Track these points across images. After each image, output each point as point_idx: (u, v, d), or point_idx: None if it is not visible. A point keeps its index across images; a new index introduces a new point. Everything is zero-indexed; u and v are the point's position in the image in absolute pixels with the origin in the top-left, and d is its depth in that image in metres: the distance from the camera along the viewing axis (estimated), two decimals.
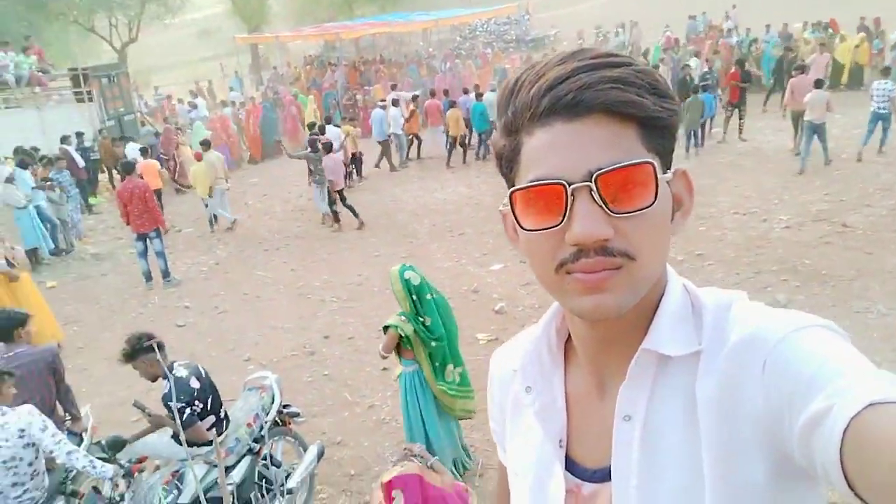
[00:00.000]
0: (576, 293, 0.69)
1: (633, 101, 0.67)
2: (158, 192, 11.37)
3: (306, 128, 13.31)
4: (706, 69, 14.96)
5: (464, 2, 50.89)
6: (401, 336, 3.95)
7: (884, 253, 6.88)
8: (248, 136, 16.96)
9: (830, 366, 0.61)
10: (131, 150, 13.17)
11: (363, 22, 28.77)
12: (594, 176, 0.66)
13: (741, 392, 0.67)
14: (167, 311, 7.97)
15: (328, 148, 10.31)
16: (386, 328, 4.03)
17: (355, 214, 10.35)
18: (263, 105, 17.69)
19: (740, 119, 12.64)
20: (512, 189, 0.72)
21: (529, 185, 0.69)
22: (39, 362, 4.15)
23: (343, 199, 10.39)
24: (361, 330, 6.72)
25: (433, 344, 3.96)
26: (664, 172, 0.70)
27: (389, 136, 14.02)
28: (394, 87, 17.61)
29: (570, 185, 0.66)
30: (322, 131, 12.02)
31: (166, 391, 3.58)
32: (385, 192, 12.46)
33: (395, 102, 14.48)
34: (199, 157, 11.31)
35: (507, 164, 0.75)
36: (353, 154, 13.17)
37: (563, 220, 0.67)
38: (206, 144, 11.39)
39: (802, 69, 11.73)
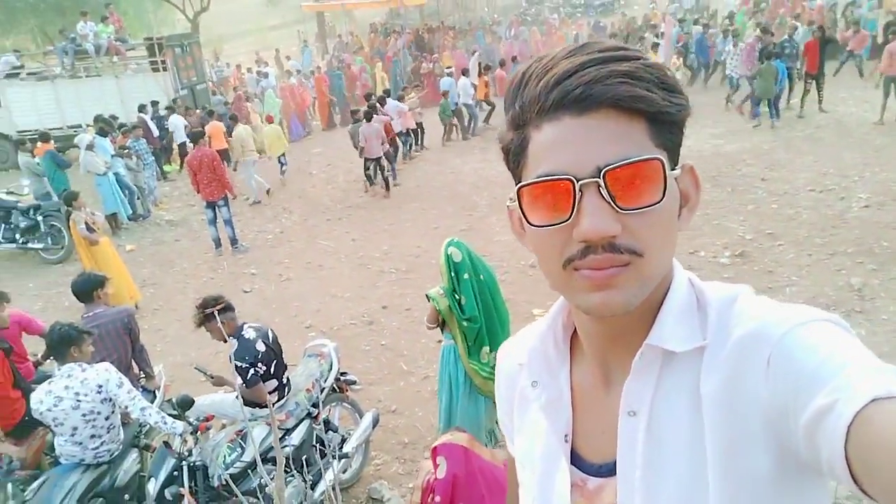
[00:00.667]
0: (583, 290, 0.69)
1: (641, 95, 0.66)
2: (226, 154, 12.03)
3: (366, 98, 13.44)
4: (785, 36, 14.06)
5: None
6: (438, 309, 3.97)
7: None
8: (319, 104, 17.32)
9: (834, 360, 0.61)
10: (176, 123, 13.61)
11: None
12: (602, 171, 0.65)
13: (746, 387, 0.67)
14: (235, 277, 8.31)
15: (368, 117, 10.53)
16: (430, 298, 4.05)
17: (384, 184, 10.80)
18: (331, 74, 17.97)
19: (819, 90, 11.90)
20: (519, 184, 0.72)
21: (537, 180, 0.69)
22: (116, 322, 4.43)
23: (381, 169, 10.72)
24: (418, 302, 6.81)
25: (464, 323, 3.92)
26: (672, 168, 0.70)
27: (458, 106, 13.92)
28: (474, 53, 17.44)
29: (577, 181, 0.66)
30: (382, 102, 12.13)
31: (233, 350, 3.78)
32: (446, 163, 12.47)
33: (465, 72, 14.32)
34: (270, 120, 12.56)
35: (515, 159, 0.74)
36: (418, 124, 13.28)
37: (570, 216, 0.67)
38: (234, 119, 12.04)
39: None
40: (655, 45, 14.52)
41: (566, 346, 0.87)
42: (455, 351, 4.05)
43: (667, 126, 0.69)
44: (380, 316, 6.71)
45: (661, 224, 0.68)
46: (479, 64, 15.39)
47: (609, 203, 0.66)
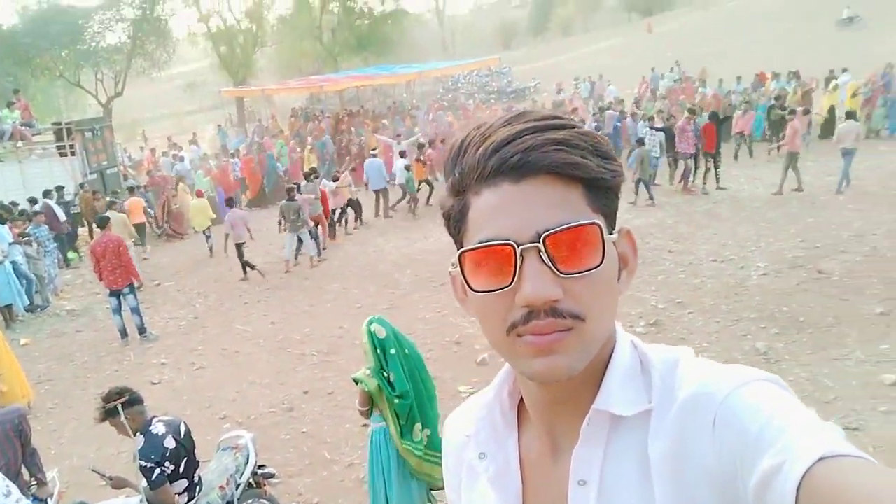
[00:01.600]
0: (527, 356, 0.69)
1: (577, 162, 0.67)
2: (142, 229, 13.25)
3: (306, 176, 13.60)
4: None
5: (447, 55, 52.33)
6: (368, 391, 3.82)
7: (859, 299, 6.95)
8: (250, 182, 17.58)
9: (778, 420, 0.61)
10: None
11: (347, 75, 29.36)
12: (542, 236, 0.66)
13: (693, 451, 0.66)
14: (143, 367, 7.81)
15: (230, 203, 11.26)
16: (357, 381, 3.91)
17: (250, 268, 10.92)
18: (266, 155, 18.18)
19: (716, 168, 12.87)
20: (461, 250, 0.72)
21: (478, 246, 0.69)
22: (5, 424, 4.03)
23: (241, 255, 10.90)
24: (342, 385, 6.62)
25: (396, 401, 3.79)
26: (610, 233, 0.71)
27: (395, 186, 14.33)
28: (398, 137, 17.94)
29: (518, 246, 0.66)
30: (308, 179, 12.40)
31: (139, 448, 3.49)
32: (369, 243, 12.49)
33: (403, 154, 14.64)
34: (199, 195, 13.36)
35: (455, 225, 0.75)
36: (349, 201, 13.55)
37: (512, 281, 0.67)
38: (111, 206, 12.28)
39: (806, 111, 12.08)
40: None
41: (513, 415, 0.84)
42: (386, 433, 3.89)
43: (603, 192, 0.71)
44: (300, 402, 6.44)
45: (602, 288, 0.69)
46: (421, 145, 15.84)
47: (550, 267, 0.66)
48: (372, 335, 3.78)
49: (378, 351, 3.78)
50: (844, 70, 18.95)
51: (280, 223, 11.32)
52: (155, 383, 7.26)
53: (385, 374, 3.80)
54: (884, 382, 5.23)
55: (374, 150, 16.05)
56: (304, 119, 26.04)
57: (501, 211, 0.68)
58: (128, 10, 29.80)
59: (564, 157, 0.67)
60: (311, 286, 10.24)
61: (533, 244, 0.66)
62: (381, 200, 14.32)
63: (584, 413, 0.73)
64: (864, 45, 26.35)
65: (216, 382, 7.14)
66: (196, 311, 9.71)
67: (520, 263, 0.67)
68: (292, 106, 31.85)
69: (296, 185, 11.73)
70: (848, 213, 10.13)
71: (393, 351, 3.81)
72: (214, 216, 12.84)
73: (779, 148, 12.72)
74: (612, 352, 0.76)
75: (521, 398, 0.84)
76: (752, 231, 9.94)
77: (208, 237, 12.84)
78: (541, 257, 0.66)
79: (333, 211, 12.89)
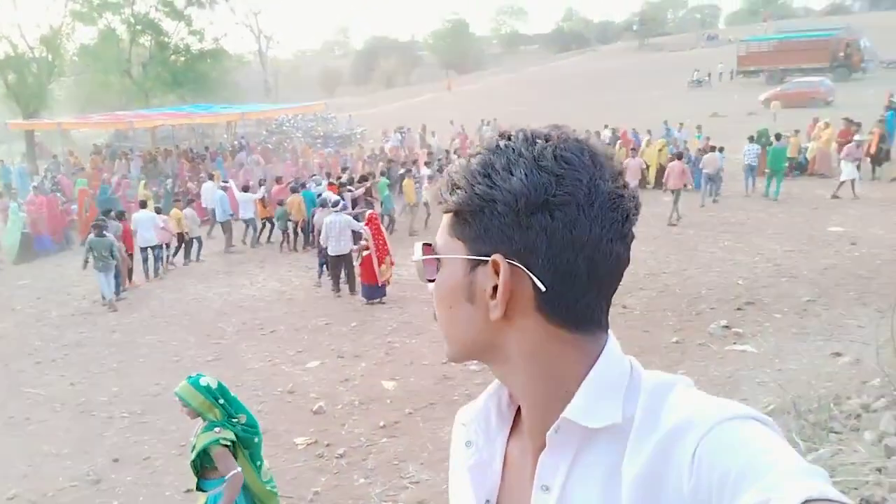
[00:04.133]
0: None
1: (436, 194, 0.81)
2: None
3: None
4: None
5: (271, 98, 51.42)
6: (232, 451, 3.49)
7: (658, 330, 7.82)
8: (80, 219, 15.82)
9: (763, 458, 0.61)
10: None
11: (161, 112, 27.52)
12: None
13: (669, 477, 0.66)
14: None
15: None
16: (201, 457, 3.43)
17: None
18: (101, 187, 16.77)
19: None
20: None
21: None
22: None
23: None
24: (159, 448, 5.98)
25: (255, 440, 3.63)
26: (482, 257, 0.75)
27: (236, 220, 14.31)
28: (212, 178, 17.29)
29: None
30: (118, 217, 11.72)
31: None
32: (188, 289, 11.60)
33: (246, 188, 14.68)
34: None
35: None
36: (180, 235, 12.93)
37: None
38: None
39: (680, 156, 14.44)
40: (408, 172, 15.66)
41: (510, 413, 0.86)
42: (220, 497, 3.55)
43: (460, 219, 0.78)
44: (110, 472, 5.70)
45: (439, 300, 0.81)
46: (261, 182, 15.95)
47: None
48: (208, 388, 3.50)
49: (220, 401, 3.52)
50: (606, 126, 21.75)
51: (86, 261, 10.40)
52: None
53: (235, 420, 3.55)
54: None
55: (224, 182, 15.96)
56: (110, 157, 23.86)
57: None
58: None
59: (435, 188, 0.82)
60: (120, 340, 9.22)
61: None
62: (225, 234, 14.26)
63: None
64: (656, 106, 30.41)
65: (1, 457, 6.08)
66: None
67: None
68: (94, 142, 29.09)
69: (103, 221, 10.92)
70: (641, 255, 11.37)
71: (233, 394, 3.67)
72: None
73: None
74: (594, 365, 0.75)
75: None
76: None
77: None
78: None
79: (154, 247, 12.21)
